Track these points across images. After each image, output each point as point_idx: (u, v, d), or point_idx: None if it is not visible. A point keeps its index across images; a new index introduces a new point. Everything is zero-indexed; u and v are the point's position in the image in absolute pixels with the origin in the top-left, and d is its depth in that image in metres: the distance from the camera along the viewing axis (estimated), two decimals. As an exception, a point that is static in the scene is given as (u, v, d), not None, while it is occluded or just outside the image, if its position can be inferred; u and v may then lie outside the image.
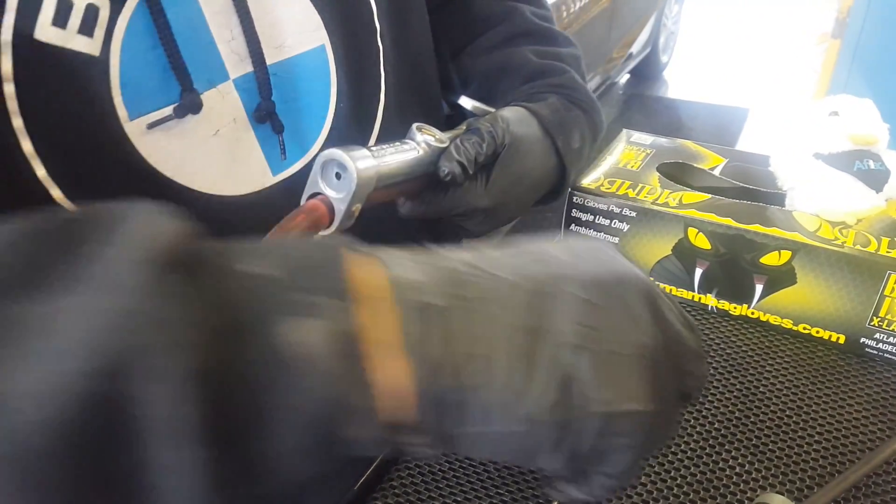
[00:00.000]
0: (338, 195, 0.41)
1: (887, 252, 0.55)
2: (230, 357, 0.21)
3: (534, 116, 0.52)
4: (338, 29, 0.47)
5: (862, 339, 0.57)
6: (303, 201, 0.42)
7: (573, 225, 0.66)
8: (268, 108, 0.45)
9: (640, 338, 0.27)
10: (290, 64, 0.45)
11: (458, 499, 0.47)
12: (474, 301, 0.25)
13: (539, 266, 0.27)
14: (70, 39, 0.35)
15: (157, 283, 0.21)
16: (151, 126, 0.39)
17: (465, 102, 0.51)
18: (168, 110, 0.40)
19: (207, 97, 0.42)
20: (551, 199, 0.58)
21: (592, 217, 0.65)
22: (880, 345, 0.57)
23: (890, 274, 0.54)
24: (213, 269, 0.23)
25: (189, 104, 0.41)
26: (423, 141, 0.45)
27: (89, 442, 0.20)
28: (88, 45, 0.36)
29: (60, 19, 0.35)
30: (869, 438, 0.50)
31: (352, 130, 0.50)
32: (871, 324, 0.56)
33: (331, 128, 0.48)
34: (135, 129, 0.39)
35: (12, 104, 0.34)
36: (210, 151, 0.43)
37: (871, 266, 0.54)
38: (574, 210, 0.65)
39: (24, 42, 0.34)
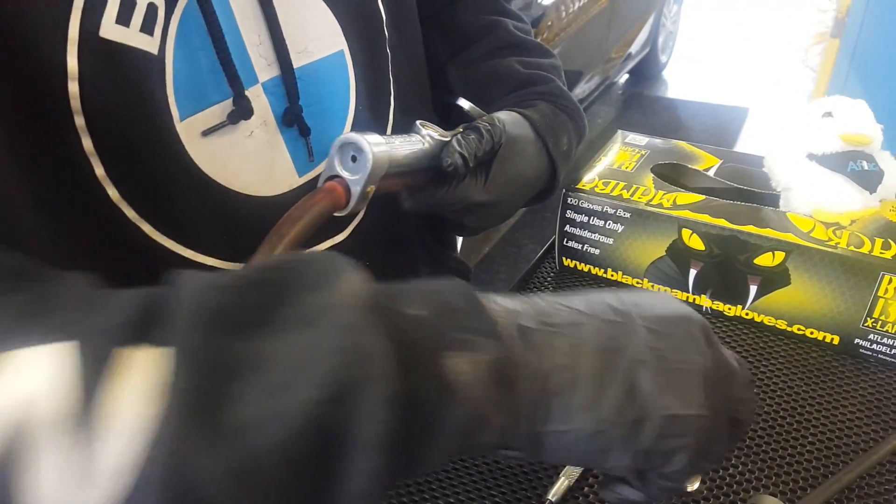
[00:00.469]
0: (353, 176, 0.43)
1: (881, 253, 0.55)
2: (411, 385, 0.25)
3: (526, 120, 0.55)
4: (354, 35, 0.49)
5: (856, 340, 0.57)
6: (320, 183, 0.44)
7: (568, 226, 0.66)
8: (296, 112, 0.46)
9: (698, 358, 0.31)
10: (313, 68, 0.47)
11: (454, 500, 0.47)
12: (559, 326, 0.30)
13: (609, 304, 0.32)
14: (133, 37, 0.36)
15: (365, 324, 0.25)
16: (207, 133, 0.41)
17: (463, 103, 0.53)
18: (219, 114, 0.41)
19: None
20: (543, 199, 0.60)
21: (587, 218, 0.65)
22: (874, 345, 0.57)
23: (884, 275, 0.54)
24: (391, 314, 0.27)
25: (242, 110, 0.42)
26: (427, 135, 0.47)
27: (312, 456, 0.24)
28: (149, 43, 0.37)
29: (124, 17, 0.36)
30: (863, 439, 0.50)
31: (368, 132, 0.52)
32: (865, 324, 0.56)
33: (350, 130, 0.50)
34: (185, 130, 0.40)
35: (75, 103, 0.35)
36: (246, 153, 0.44)
37: (864, 267, 0.54)
38: (568, 211, 0.66)
39: (89, 40, 0.34)
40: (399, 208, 0.50)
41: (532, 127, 0.54)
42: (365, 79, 0.51)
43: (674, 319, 0.32)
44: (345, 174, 0.43)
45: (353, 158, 0.43)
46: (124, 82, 0.37)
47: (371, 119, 0.52)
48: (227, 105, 0.42)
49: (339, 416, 0.24)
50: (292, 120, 0.46)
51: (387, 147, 0.44)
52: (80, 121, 0.35)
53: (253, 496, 0.23)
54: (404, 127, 0.54)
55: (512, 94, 0.59)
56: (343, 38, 0.48)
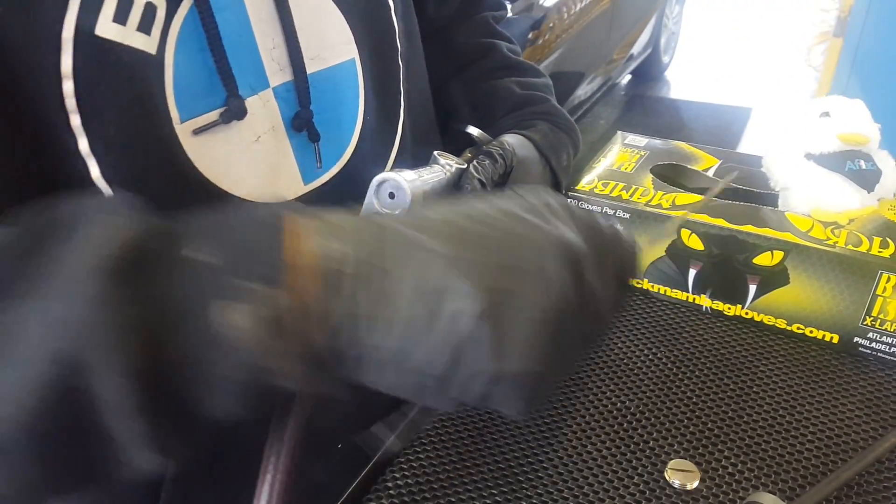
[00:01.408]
0: (392, 213, 0.44)
1: (879, 252, 0.55)
2: (167, 345, 0.25)
3: (529, 141, 0.57)
4: (366, 44, 0.49)
5: (855, 339, 0.58)
6: None
7: (568, 227, 0.67)
8: (306, 117, 0.46)
9: (546, 301, 0.28)
10: (325, 74, 0.47)
11: (452, 499, 0.47)
12: (389, 266, 0.27)
13: (463, 231, 0.29)
14: (129, 36, 0.36)
15: (105, 292, 0.25)
16: (199, 131, 0.40)
17: (472, 130, 0.55)
18: (214, 115, 0.41)
19: (250, 103, 0.43)
20: None
21: (587, 219, 0.65)
22: (874, 344, 0.57)
23: (882, 273, 0.54)
24: (160, 261, 0.26)
25: (235, 109, 0.41)
26: (445, 164, 0.49)
27: (57, 428, 0.24)
28: (146, 43, 0.37)
29: (121, 15, 0.35)
30: (861, 437, 0.51)
31: (376, 144, 0.52)
32: (864, 323, 0.57)
33: (358, 140, 0.50)
34: (185, 132, 0.39)
35: (70, 102, 0.35)
36: (252, 158, 0.43)
37: (863, 266, 0.55)
38: (568, 212, 0.66)
39: (85, 38, 0.34)
40: None
41: (536, 147, 0.57)
42: (375, 88, 0.51)
43: (531, 249, 0.28)
44: (384, 212, 0.44)
45: (391, 195, 0.44)
46: (120, 82, 0.36)
47: (379, 130, 0.52)
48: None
49: (77, 388, 0.24)
50: (302, 125, 0.46)
51: (420, 182, 0.45)
52: (75, 120, 0.35)
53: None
54: (408, 141, 0.56)
55: (511, 115, 0.61)
56: (355, 47, 0.49)
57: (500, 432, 0.52)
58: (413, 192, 0.44)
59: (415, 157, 0.57)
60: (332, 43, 0.47)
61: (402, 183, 0.44)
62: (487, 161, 0.50)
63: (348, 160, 0.50)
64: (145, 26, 0.36)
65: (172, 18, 0.38)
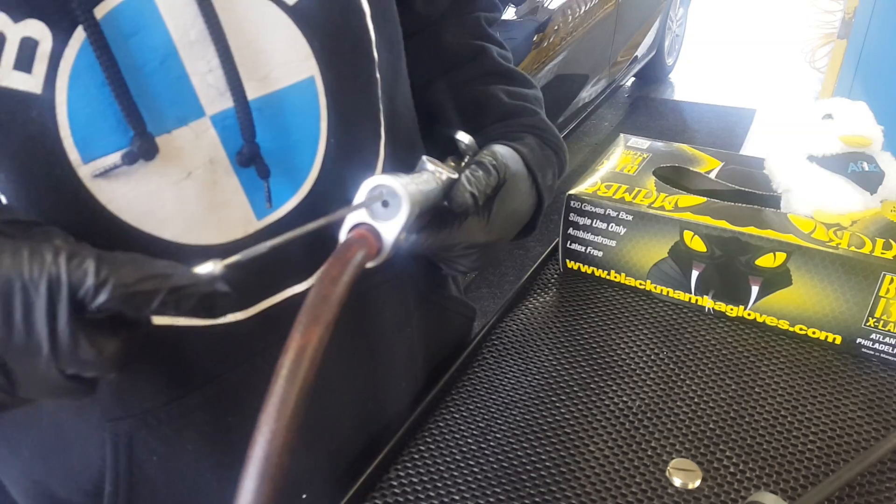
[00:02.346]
0: (385, 223, 0.38)
1: (882, 253, 0.55)
2: None
3: (519, 155, 0.52)
4: (330, 59, 0.43)
5: (858, 340, 0.58)
6: (343, 233, 0.38)
7: (571, 229, 0.67)
8: (251, 152, 0.41)
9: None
10: (275, 98, 0.41)
11: (455, 498, 0.47)
12: None
13: None
14: (5, 77, 0.33)
15: None
16: (100, 175, 0.36)
17: (463, 137, 0.48)
18: (117, 157, 0.37)
19: (177, 136, 0.38)
20: (526, 234, 0.58)
21: (589, 221, 0.65)
22: (876, 345, 0.57)
23: (885, 275, 0.54)
24: None
25: (140, 150, 0.37)
26: (435, 172, 0.43)
27: None
28: (27, 83, 0.34)
29: None
30: (864, 438, 0.51)
31: (347, 168, 0.47)
32: (867, 324, 0.57)
33: (321, 166, 0.45)
34: (89, 174, 0.36)
35: None
36: (181, 196, 0.39)
37: (865, 267, 0.55)
38: (571, 214, 0.66)
39: None
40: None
41: (524, 162, 0.52)
42: (341, 109, 0.45)
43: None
44: (373, 222, 0.38)
45: (385, 203, 0.38)
46: (1, 125, 0.34)
47: (348, 153, 0.46)
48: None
49: None
50: (248, 160, 0.41)
51: (415, 190, 0.40)
52: None
53: None
54: (398, 161, 0.50)
55: (497, 124, 0.57)
56: (314, 63, 0.42)
57: (502, 432, 0.52)
58: (412, 199, 0.39)
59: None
60: (283, 61, 0.41)
61: (399, 191, 0.38)
62: (481, 172, 0.45)
63: (309, 191, 0.45)
64: (23, 64, 0.33)
65: (63, 52, 0.34)
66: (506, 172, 0.47)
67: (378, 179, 0.38)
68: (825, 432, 0.51)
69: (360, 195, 0.39)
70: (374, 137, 0.48)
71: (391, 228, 0.38)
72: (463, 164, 0.45)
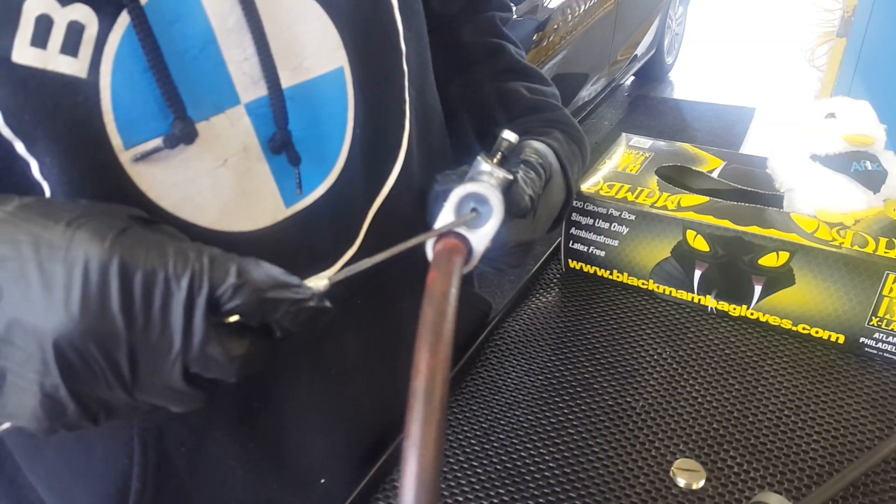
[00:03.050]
0: (476, 231, 0.38)
1: (885, 252, 0.55)
2: None
3: (552, 150, 0.52)
4: (360, 50, 0.44)
5: (861, 339, 0.58)
6: (430, 244, 0.38)
7: (573, 228, 0.67)
8: (284, 139, 0.41)
9: (18, 370, 0.29)
10: (307, 87, 0.42)
11: (459, 499, 0.47)
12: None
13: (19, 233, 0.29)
14: (52, 60, 0.33)
15: None
16: (140, 158, 0.37)
17: (509, 136, 0.46)
18: (158, 140, 0.37)
19: (214, 123, 0.39)
20: (554, 228, 0.58)
21: (592, 220, 0.65)
22: (880, 344, 0.57)
23: (888, 274, 0.54)
24: None
25: (181, 134, 0.37)
26: (492, 171, 0.42)
27: None
28: (74, 67, 0.34)
29: (40, 39, 0.32)
30: (867, 437, 0.51)
31: (371, 159, 0.48)
32: (871, 324, 0.57)
33: (347, 157, 0.46)
34: (130, 160, 0.36)
35: (7, 131, 0.33)
36: (217, 183, 0.40)
37: (869, 266, 0.55)
38: (574, 214, 0.66)
39: (1, 66, 0.32)
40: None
41: (556, 157, 0.52)
42: (369, 99, 0.46)
43: (35, 257, 0.29)
44: (463, 230, 0.38)
45: (473, 210, 0.38)
46: (47, 109, 0.33)
47: (373, 145, 0.47)
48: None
49: None
50: (280, 147, 0.42)
51: (497, 193, 0.39)
52: (20, 147, 0.34)
53: None
54: (421, 152, 0.51)
55: (519, 119, 0.57)
56: (344, 54, 0.43)
57: (506, 432, 0.52)
58: (503, 210, 0.38)
59: (424, 169, 0.53)
60: (314, 50, 0.42)
61: (491, 197, 0.37)
62: (533, 173, 0.45)
63: (336, 179, 0.45)
64: (70, 48, 0.33)
65: (108, 37, 0.34)
66: (550, 170, 0.48)
67: (469, 188, 0.38)
68: (829, 432, 0.51)
69: (451, 204, 0.38)
70: (399, 128, 0.49)
71: (482, 237, 0.38)
72: (495, 160, 0.44)
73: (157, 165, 0.37)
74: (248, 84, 0.40)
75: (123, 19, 0.34)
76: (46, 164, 0.34)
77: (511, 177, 0.43)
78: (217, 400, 0.45)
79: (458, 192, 0.38)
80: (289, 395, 0.48)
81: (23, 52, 0.32)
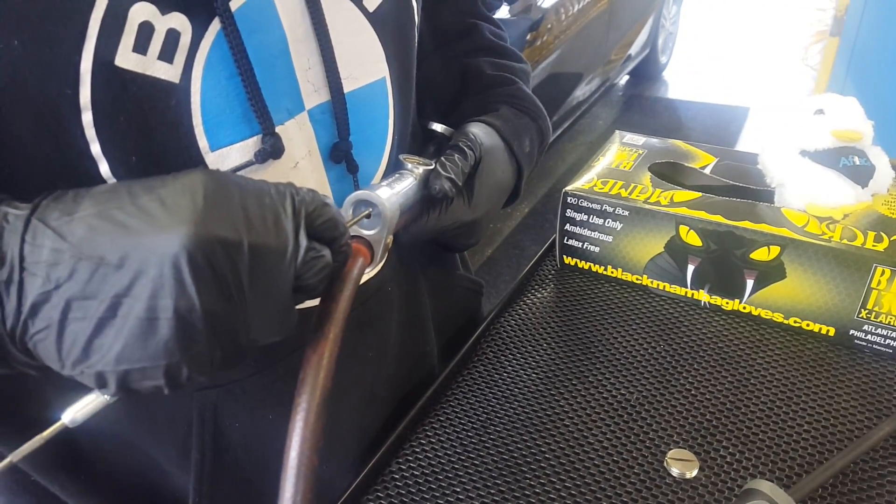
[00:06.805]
0: (371, 232, 0.42)
1: (873, 245, 0.56)
2: None
3: (493, 129, 0.54)
4: (395, 62, 0.48)
5: (851, 331, 0.59)
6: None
7: (568, 225, 0.68)
8: (345, 149, 0.44)
9: (148, 303, 0.29)
10: (359, 95, 0.45)
11: (457, 489, 0.48)
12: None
13: (93, 234, 0.29)
14: (150, 66, 0.35)
15: None
16: (235, 171, 0.39)
17: (437, 127, 0.53)
18: (251, 147, 0.39)
19: (288, 127, 0.41)
20: (512, 201, 0.60)
21: (586, 217, 0.66)
22: (869, 336, 0.58)
23: (876, 267, 0.55)
24: None
25: (271, 150, 0.40)
26: (413, 168, 0.47)
27: None
28: (169, 72, 0.35)
29: (141, 45, 0.34)
30: (857, 427, 0.52)
31: (398, 161, 0.50)
32: (860, 316, 0.58)
33: (387, 161, 0.49)
34: (216, 162, 0.38)
35: (90, 132, 0.34)
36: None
37: (857, 259, 0.56)
38: (568, 210, 0.67)
39: (104, 70, 0.33)
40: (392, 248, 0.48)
41: (498, 134, 0.54)
42: (403, 106, 0.49)
43: (133, 254, 0.29)
44: (363, 232, 0.42)
45: (369, 214, 0.42)
46: (142, 112, 0.35)
47: (401, 148, 0.50)
48: (259, 139, 0.40)
49: None
50: (341, 156, 0.45)
51: (395, 196, 0.44)
52: (95, 148, 0.35)
53: None
54: (409, 152, 0.53)
55: (478, 96, 0.59)
56: (385, 65, 0.47)
57: (502, 425, 0.53)
58: (391, 207, 0.42)
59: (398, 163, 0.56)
60: (364, 61, 0.45)
61: (377, 200, 0.42)
62: (456, 156, 0.48)
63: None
64: (167, 54, 0.35)
65: (199, 44, 0.36)
66: (481, 150, 0.50)
67: (359, 195, 0.42)
68: (819, 422, 0.52)
69: (346, 210, 0.43)
70: (410, 133, 0.52)
71: (378, 236, 0.42)
72: (430, 152, 0.49)
73: (245, 170, 0.40)
74: (311, 91, 0.42)
75: (213, 27, 0.36)
76: (132, 163, 0.36)
77: (431, 166, 0.47)
78: (270, 384, 0.47)
79: (351, 199, 0.43)
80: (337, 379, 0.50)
81: (125, 57, 0.34)
